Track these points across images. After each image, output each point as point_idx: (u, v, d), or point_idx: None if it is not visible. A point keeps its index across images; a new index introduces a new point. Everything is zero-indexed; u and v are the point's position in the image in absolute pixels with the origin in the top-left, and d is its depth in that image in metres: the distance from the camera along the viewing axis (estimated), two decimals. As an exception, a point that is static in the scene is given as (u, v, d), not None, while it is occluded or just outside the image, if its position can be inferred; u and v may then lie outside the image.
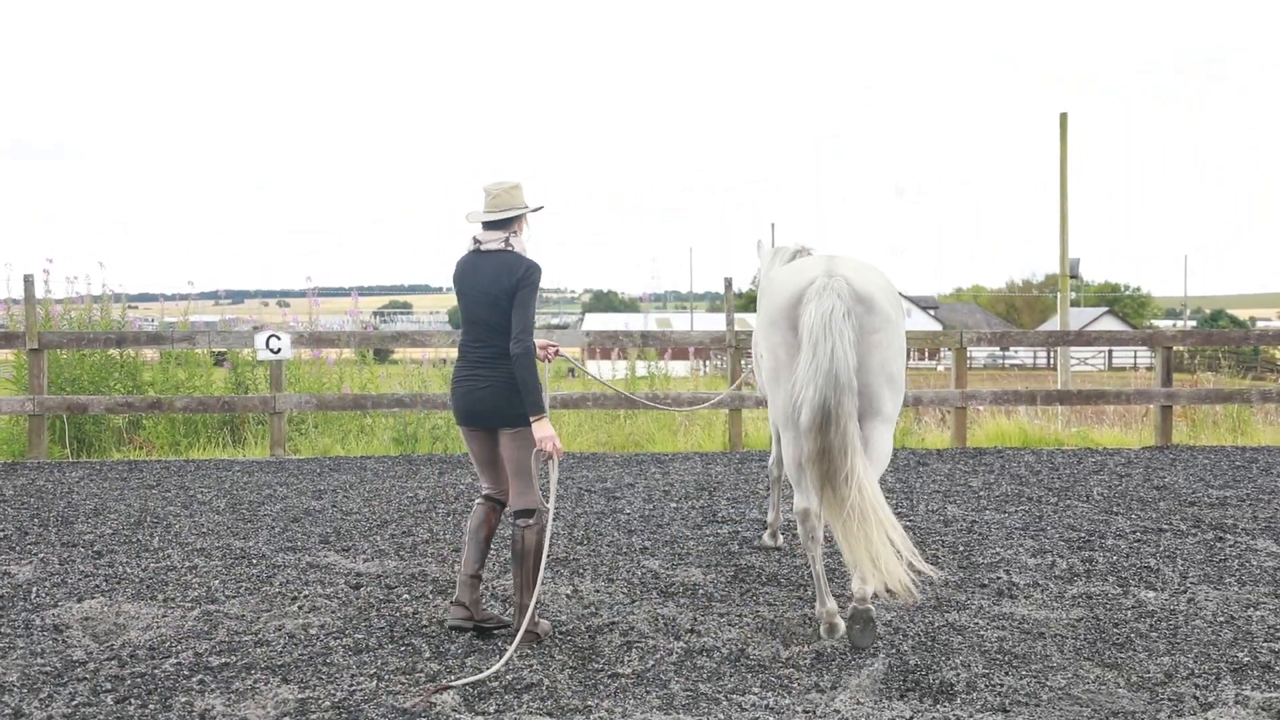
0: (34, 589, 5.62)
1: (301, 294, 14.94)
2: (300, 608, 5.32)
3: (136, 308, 12.32)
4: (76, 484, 8.75)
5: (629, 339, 11.10)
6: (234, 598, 5.49)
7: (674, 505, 7.91)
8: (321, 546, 6.60)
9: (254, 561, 6.22)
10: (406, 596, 5.51)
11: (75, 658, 4.59)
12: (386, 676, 4.38)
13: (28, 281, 10.15)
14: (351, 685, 4.28)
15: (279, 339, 10.15)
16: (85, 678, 4.35)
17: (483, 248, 4.89)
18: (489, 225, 4.91)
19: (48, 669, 4.45)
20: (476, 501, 5.07)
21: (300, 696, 4.16)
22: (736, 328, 10.78)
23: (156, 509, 7.73)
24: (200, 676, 4.37)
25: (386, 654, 4.65)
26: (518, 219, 4.94)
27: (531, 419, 4.74)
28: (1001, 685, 4.26)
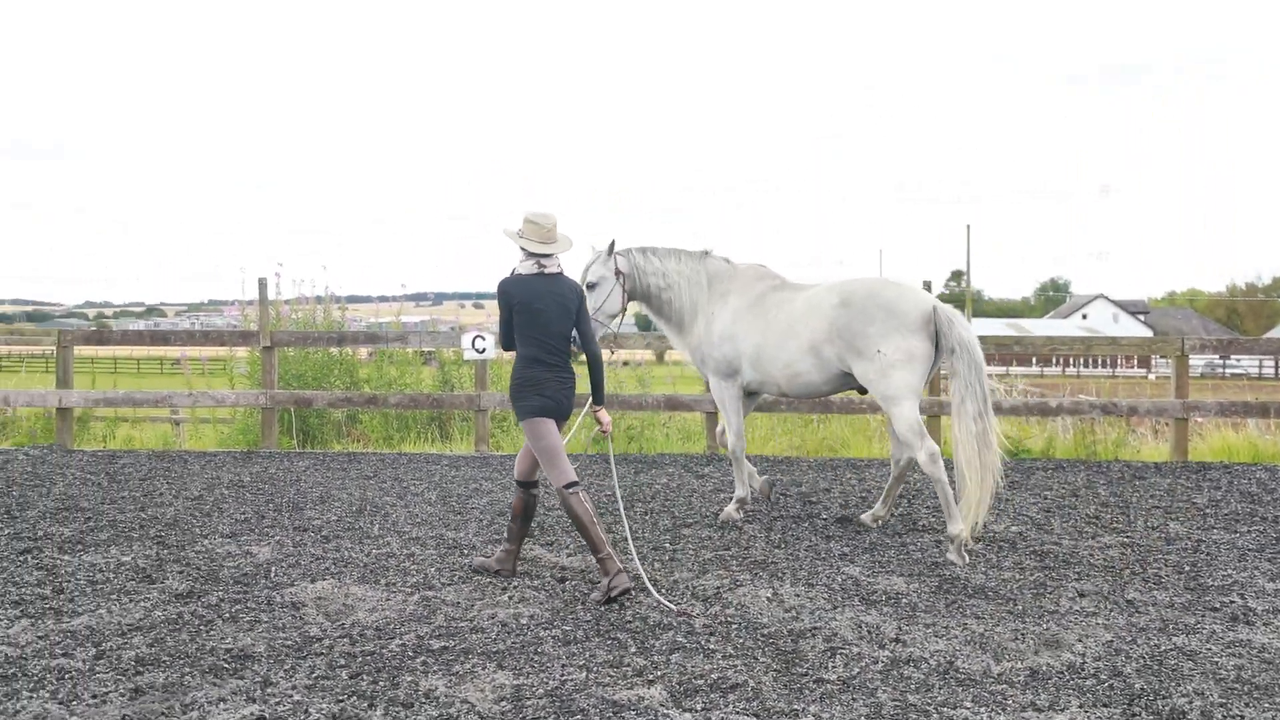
0: (272, 569, 6.09)
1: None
2: (510, 598, 5.54)
3: (346, 308, 13.14)
4: (303, 473, 9.41)
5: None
6: (449, 585, 5.77)
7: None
8: (526, 540, 6.84)
9: (465, 552, 6.52)
10: (610, 592, 5.64)
11: (312, 634, 4.94)
12: (595, 669, 4.51)
13: (262, 284, 10.99)
14: (563, 675, 4.43)
15: (484, 339, 10.59)
16: (322, 653, 4.68)
17: (547, 271, 5.83)
18: (541, 254, 5.80)
19: (289, 643, 4.81)
20: (581, 493, 5.74)
21: (515, 683, 4.34)
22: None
23: (375, 499, 8.22)
24: (423, 658, 4.62)
25: (594, 647, 4.79)
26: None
27: (597, 406, 6.05)
28: (1243, 717, 3.98)
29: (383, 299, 15.04)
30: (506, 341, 5.92)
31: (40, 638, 4.84)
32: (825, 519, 7.53)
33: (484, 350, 10.59)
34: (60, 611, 5.24)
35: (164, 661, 4.55)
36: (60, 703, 4.09)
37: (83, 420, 12.43)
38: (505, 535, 6.04)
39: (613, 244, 7.45)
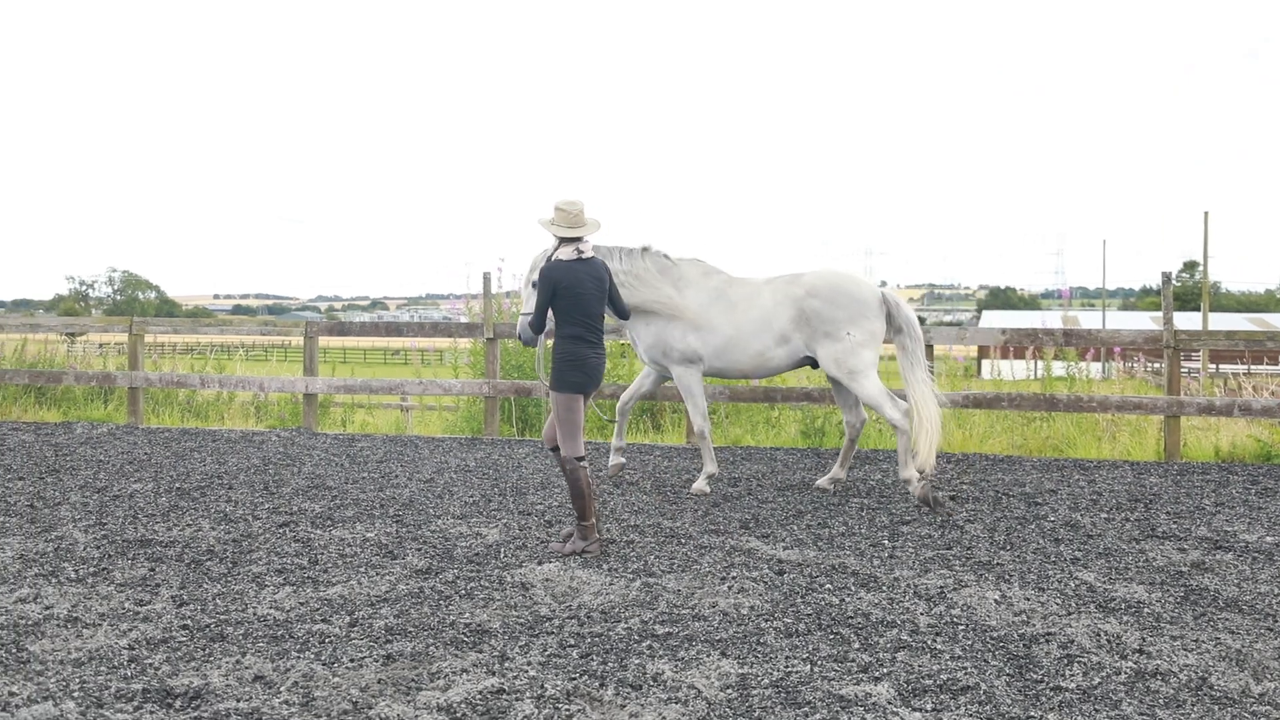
0: (501, 550, 6.39)
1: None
2: (730, 588, 5.59)
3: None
4: (524, 459, 9.81)
5: (1049, 337, 10.46)
6: (669, 573, 5.88)
7: (1104, 516, 7.37)
8: (742, 531, 6.88)
9: (682, 541, 6.63)
10: (829, 587, 5.61)
11: (542, 613, 5.16)
12: (819, 662, 4.49)
13: (486, 279, 11.51)
14: (786, 667, 4.44)
15: (695, 332, 10.68)
16: (552, 632, 4.88)
17: (584, 255, 6.34)
18: (574, 239, 6.31)
19: (521, 621, 5.04)
20: (587, 467, 6.27)
21: (740, 672, 4.38)
22: (1176, 326, 9.81)
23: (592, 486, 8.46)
24: (649, 642, 4.74)
25: (817, 640, 4.77)
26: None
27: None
28: None
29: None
30: (538, 324, 6.45)
31: (301, 604, 5.28)
32: (1053, 521, 7.20)
33: (695, 343, 10.67)
34: (317, 581, 5.69)
35: (410, 632, 4.87)
36: (324, 664, 4.45)
37: (323, 405, 13.40)
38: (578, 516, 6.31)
39: (559, 243, 7.75)
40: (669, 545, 6.51)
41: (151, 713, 3.95)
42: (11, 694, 4.09)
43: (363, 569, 5.93)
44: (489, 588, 5.58)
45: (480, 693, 4.13)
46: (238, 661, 4.47)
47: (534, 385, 11.34)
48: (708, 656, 4.56)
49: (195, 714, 3.94)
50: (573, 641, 4.75)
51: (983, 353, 27.70)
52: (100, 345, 17.21)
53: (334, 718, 3.93)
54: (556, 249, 6.45)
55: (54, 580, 5.67)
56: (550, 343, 7.29)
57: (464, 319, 13.81)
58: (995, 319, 63.77)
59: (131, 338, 12.34)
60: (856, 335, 7.80)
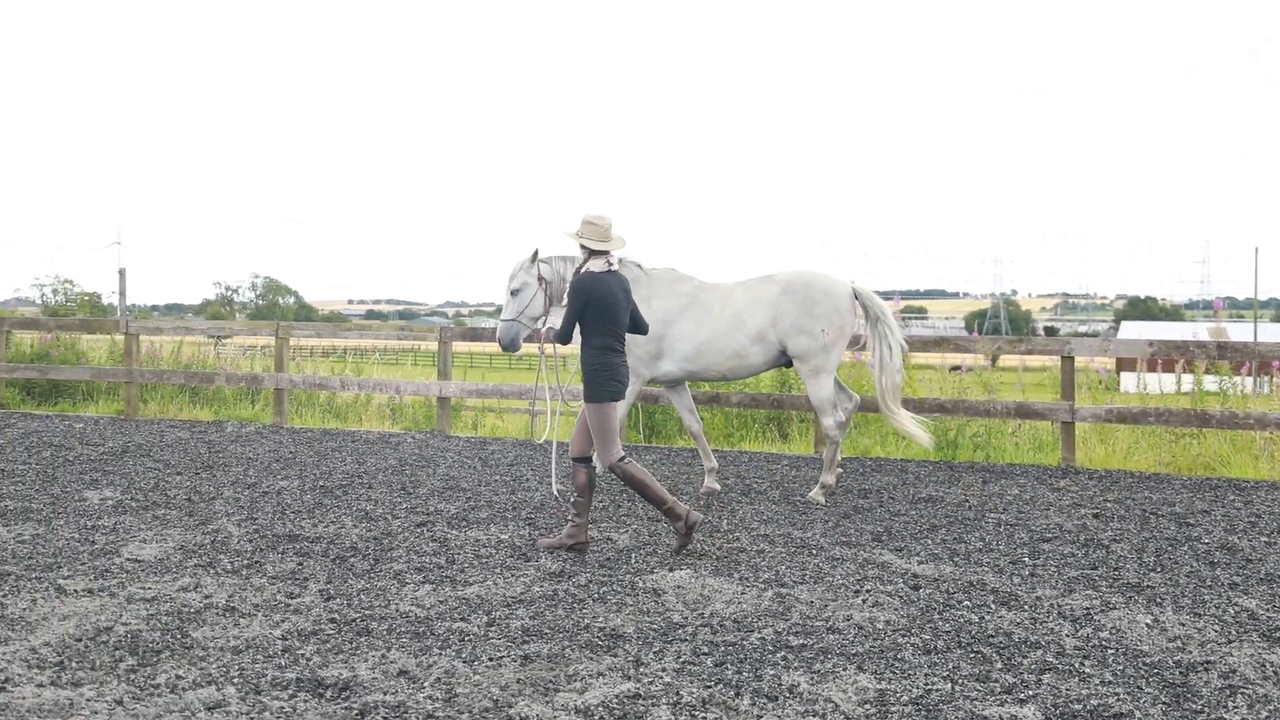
0: (632, 555, 6.43)
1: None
2: (864, 601, 5.50)
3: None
4: (650, 466, 9.85)
5: (1201, 350, 9.95)
6: (800, 584, 5.83)
7: (1264, 540, 6.97)
8: (874, 544, 6.77)
9: (813, 552, 6.55)
10: (967, 604, 5.46)
11: (675, 620, 5.17)
12: (960, 681, 4.38)
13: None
14: (926, 684, 4.34)
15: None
16: (686, 639, 4.89)
17: (614, 267, 6.47)
18: (603, 251, 6.45)
19: (655, 627, 5.07)
20: (631, 460, 6.42)
21: (879, 687, 4.30)
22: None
23: (721, 494, 8.45)
24: (783, 653, 4.70)
25: (957, 659, 4.65)
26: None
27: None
28: None
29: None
30: (566, 335, 6.51)
31: (440, 602, 5.42)
32: (1207, 543, 6.84)
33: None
34: (455, 580, 5.84)
35: (545, 633, 4.95)
36: (464, 662, 4.56)
37: (455, 408, 13.74)
38: (573, 511, 6.48)
39: (535, 252, 7.87)
40: (800, 556, 6.45)
41: (305, 701, 4.12)
42: (179, 676, 4.33)
43: (498, 570, 6.06)
44: (621, 593, 5.63)
45: (617, 697, 4.17)
46: (383, 656, 4.62)
47: (659, 392, 11.38)
48: (844, 670, 4.50)
49: (345, 705, 4.09)
50: (706, 649, 4.75)
51: (1122, 365, 26.58)
52: (246, 348, 18.05)
53: (475, 715, 4.02)
54: (586, 261, 6.55)
55: (211, 571, 5.97)
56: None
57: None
58: (1135, 330, 61.09)
59: (278, 341, 12.91)
60: (830, 333, 8.06)
